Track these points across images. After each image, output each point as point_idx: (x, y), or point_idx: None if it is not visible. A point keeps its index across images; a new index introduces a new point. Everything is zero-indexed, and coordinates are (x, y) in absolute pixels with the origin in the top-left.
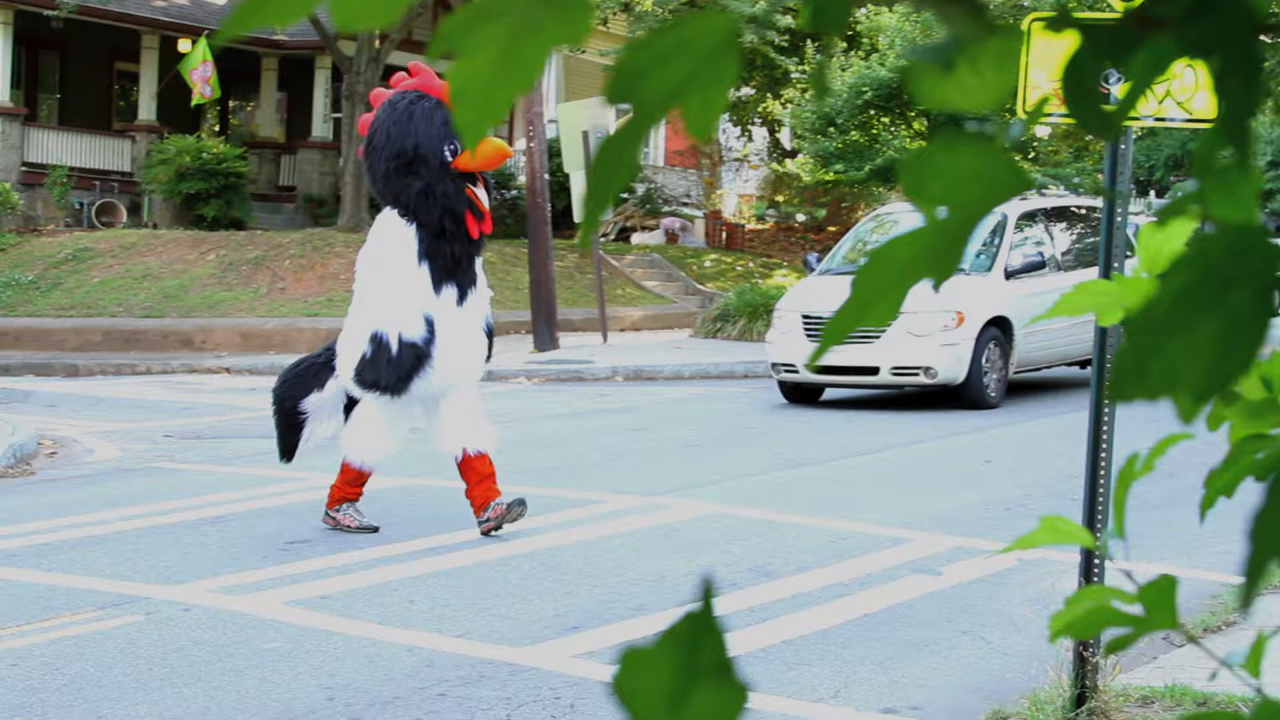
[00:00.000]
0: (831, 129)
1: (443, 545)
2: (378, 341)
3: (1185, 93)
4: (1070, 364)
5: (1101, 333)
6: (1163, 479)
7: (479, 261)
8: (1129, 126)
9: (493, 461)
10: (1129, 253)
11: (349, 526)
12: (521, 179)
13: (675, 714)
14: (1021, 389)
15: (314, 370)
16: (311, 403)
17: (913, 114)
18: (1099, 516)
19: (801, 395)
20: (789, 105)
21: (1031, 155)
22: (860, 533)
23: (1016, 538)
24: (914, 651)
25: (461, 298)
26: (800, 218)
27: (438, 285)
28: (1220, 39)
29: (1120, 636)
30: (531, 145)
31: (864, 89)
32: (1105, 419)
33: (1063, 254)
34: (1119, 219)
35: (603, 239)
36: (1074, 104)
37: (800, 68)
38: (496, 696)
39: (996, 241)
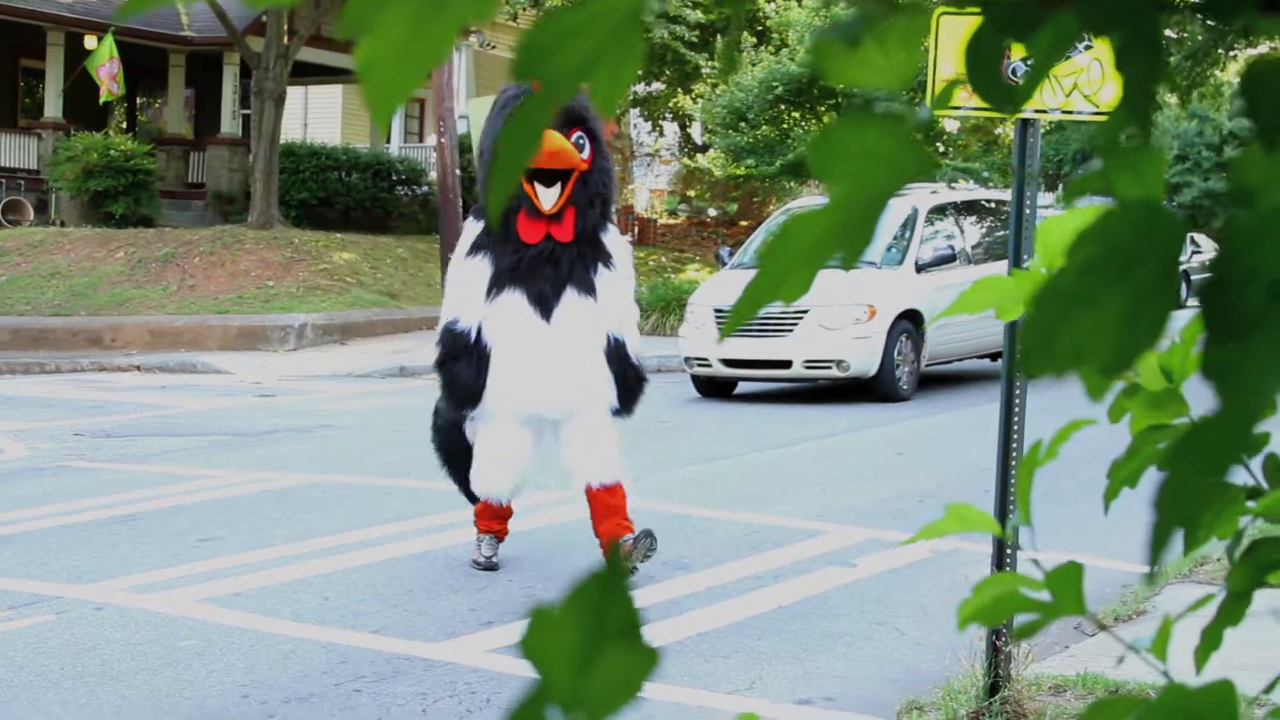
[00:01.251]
0: (742, 124)
1: (357, 541)
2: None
3: (1092, 85)
4: (982, 356)
5: (1012, 326)
6: (1072, 471)
7: (581, 271)
8: (1037, 120)
9: (624, 494)
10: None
11: (473, 559)
12: (433, 174)
13: (584, 675)
14: (933, 382)
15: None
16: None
17: (823, 108)
18: (1011, 506)
19: (714, 389)
20: (700, 100)
21: (942, 149)
22: (774, 526)
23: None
24: (828, 643)
25: (542, 309)
26: (712, 212)
27: (495, 289)
28: (1121, 15)
29: (1028, 622)
30: (442, 140)
31: (774, 84)
32: (1016, 411)
33: (973, 247)
34: (1028, 213)
35: None
36: (976, 79)
37: (710, 63)
38: (412, 692)
39: (907, 235)
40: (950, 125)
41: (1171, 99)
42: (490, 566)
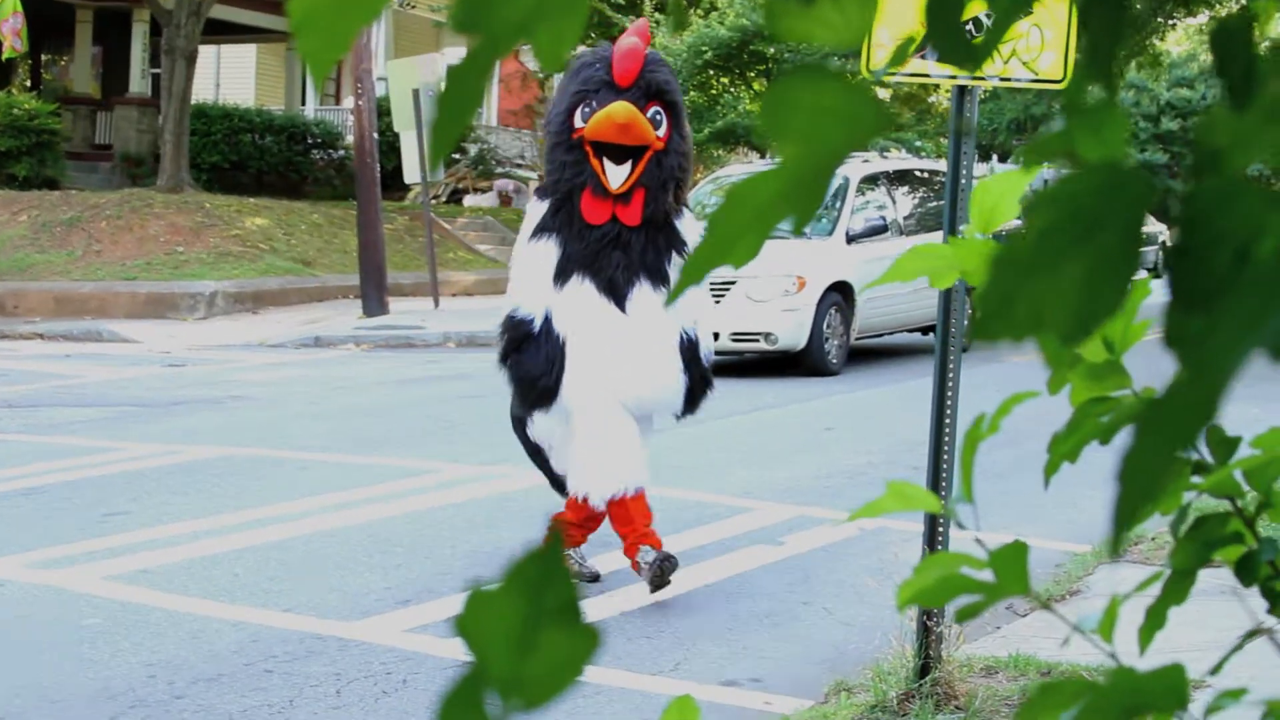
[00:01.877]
0: None
1: (269, 517)
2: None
3: (1031, 53)
4: (913, 330)
5: (946, 297)
6: (1006, 446)
7: (654, 259)
8: (975, 87)
9: (646, 500)
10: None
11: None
12: (349, 138)
13: (523, 657)
14: (863, 356)
15: None
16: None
17: (753, 74)
18: (943, 483)
19: None
20: None
21: None
22: (700, 502)
23: (862, 504)
24: (755, 622)
25: (614, 298)
26: None
27: (562, 275)
28: None
29: (971, 604)
30: (360, 103)
31: (703, 49)
32: (950, 385)
33: (905, 218)
34: (964, 182)
35: (434, 201)
36: (936, 34)
37: None
38: (326, 672)
39: (838, 205)
40: (882, 94)
41: None
42: (595, 577)
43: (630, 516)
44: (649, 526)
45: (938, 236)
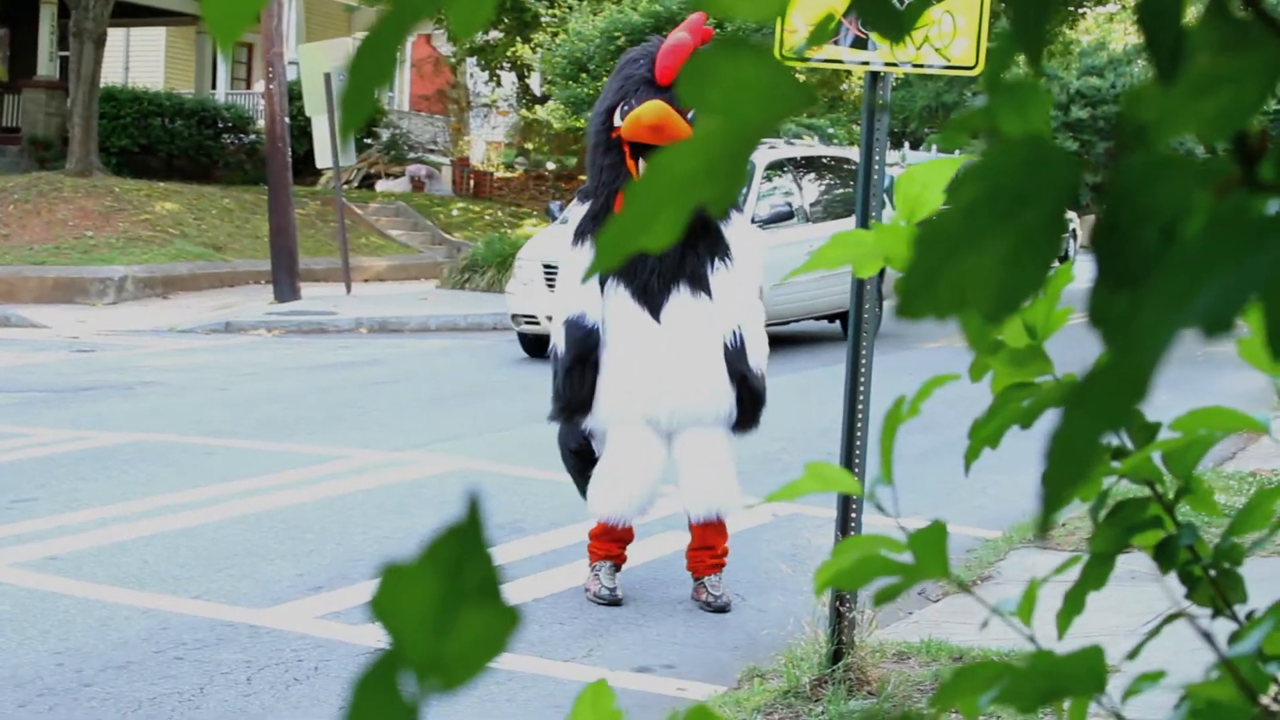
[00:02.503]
0: (583, 75)
1: (179, 503)
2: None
3: (943, 39)
4: (820, 317)
5: (859, 283)
6: (919, 432)
7: (694, 264)
8: (888, 74)
9: (725, 529)
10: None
11: (589, 590)
12: (261, 122)
13: (440, 636)
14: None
15: None
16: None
17: None
18: (856, 467)
19: (543, 348)
20: (539, 50)
21: None
22: None
23: (780, 487)
24: (669, 608)
25: (649, 306)
26: (550, 166)
27: (598, 283)
28: None
29: (889, 586)
30: (271, 87)
31: (617, 34)
32: (863, 370)
33: (811, 205)
34: (876, 169)
35: (346, 186)
36: (863, 4)
37: (551, 11)
38: (237, 659)
39: (743, 190)
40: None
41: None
42: (614, 601)
43: (712, 540)
44: (719, 554)
45: (845, 224)
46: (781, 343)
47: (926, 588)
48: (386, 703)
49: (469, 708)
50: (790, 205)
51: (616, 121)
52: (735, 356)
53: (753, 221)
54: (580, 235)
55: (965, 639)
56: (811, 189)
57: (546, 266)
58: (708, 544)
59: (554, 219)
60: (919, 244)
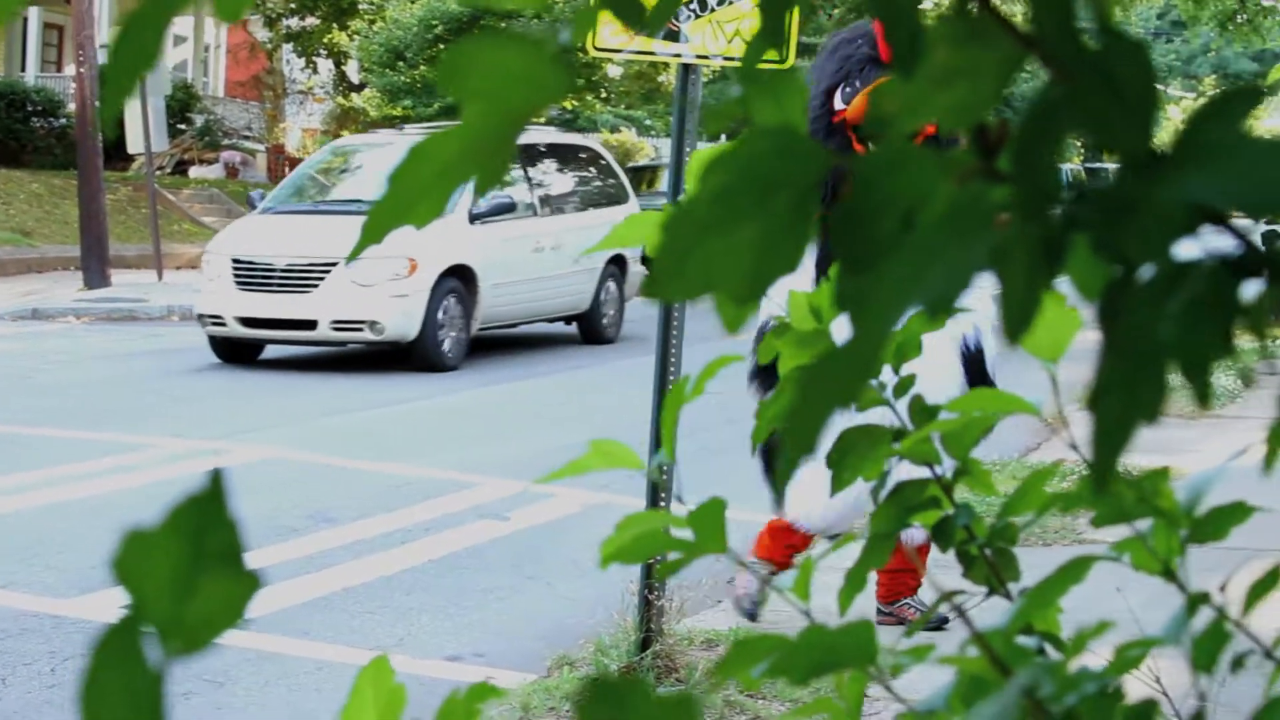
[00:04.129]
0: (400, 63)
1: None
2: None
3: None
4: (553, 319)
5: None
6: (725, 425)
7: None
8: (699, 66)
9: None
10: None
11: (736, 599)
12: (72, 106)
13: (182, 600)
14: (498, 346)
15: None
16: None
17: None
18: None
19: (236, 352)
20: (356, 37)
21: (602, 95)
22: (426, 478)
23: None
24: (479, 598)
25: None
26: None
27: (821, 277)
28: None
29: (671, 561)
30: (81, 71)
31: (434, 22)
32: (673, 356)
33: (542, 197)
34: (686, 159)
35: (159, 172)
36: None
37: None
38: (40, 650)
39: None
40: (613, 71)
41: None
42: (752, 616)
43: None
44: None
45: (583, 218)
46: (502, 346)
47: (735, 576)
48: (128, 664)
49: (278, 697)
50: (512, 196)
51: (838, 104)
52: (976, 355)
53: (471, 214)
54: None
55: (771, 626)
56: (544, 180)
57: (236, 262)
58: (909, 565)
59: (253, 208)
60: (669, 227)
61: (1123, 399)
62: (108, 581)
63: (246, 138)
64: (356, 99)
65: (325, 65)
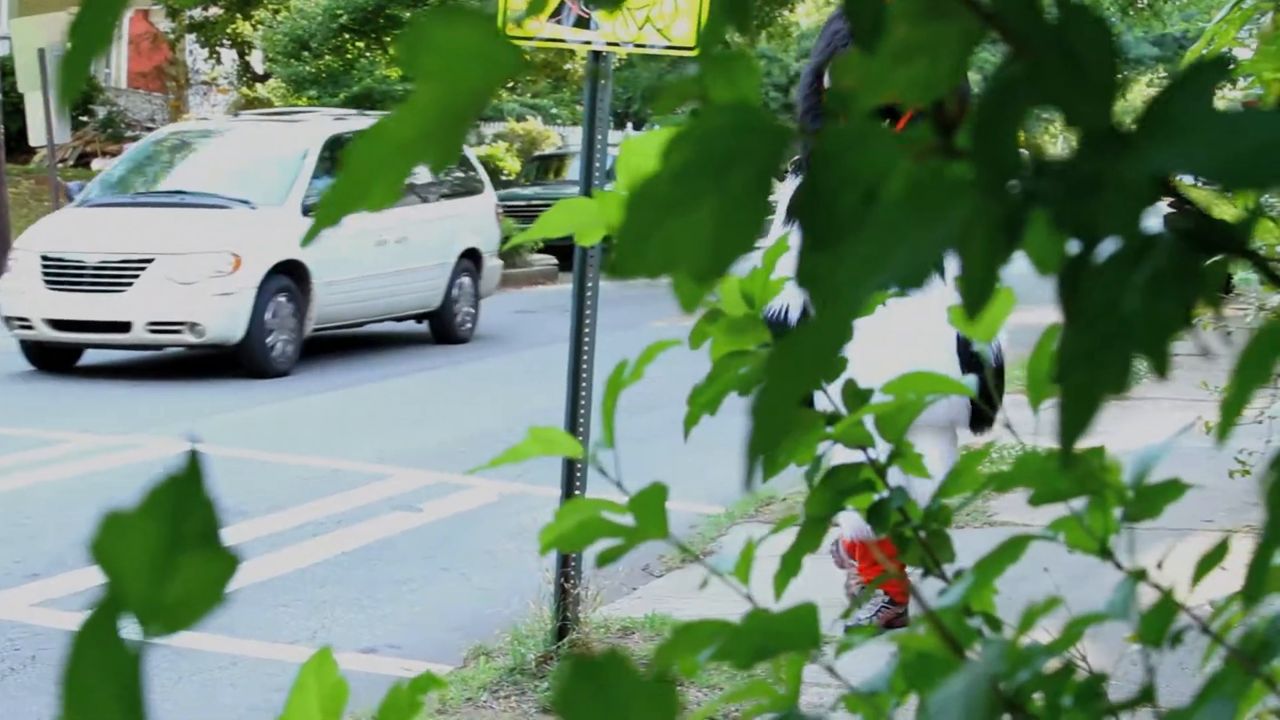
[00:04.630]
0: (305, 53)
1: None
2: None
3: (665, 19)
4: (400, 318)
5: (582, 251)
6: (644, 412)
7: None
8: (610, 53)
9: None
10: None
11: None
12: None
13: (161, 582)
14: (339, 347)
15: None
16: None
17: (389, 38)
18: (580, 438)
19: (49, 358)
20: (260, 27)
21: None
22: (338, 470)
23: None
24: (394, 589)
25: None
26: None
27: None
28: None
29: (611, 548)
30: None
31: (339, 12)
32: (586, 342)
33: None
34: (598, 147)
35: (61, 165)
36: None
37: None
38: None
39: (294, 168)
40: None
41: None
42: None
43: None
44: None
45: (436, 209)
46: (339, 347)
47: (650, 564)
48: (107, 648)
49: (192, 692)
50: None
51: (827, 83)
52: (969, 342)
53: (304, 207)
54: (790, 214)
55: (689, 614)
56: None
57: (46, 258)
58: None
59: (70, 200)
60: (631, 206)
61: (1088, 372)
62: (18, 578)
63: (150, 129)
64: (261, 89)
65: (229, 55)
